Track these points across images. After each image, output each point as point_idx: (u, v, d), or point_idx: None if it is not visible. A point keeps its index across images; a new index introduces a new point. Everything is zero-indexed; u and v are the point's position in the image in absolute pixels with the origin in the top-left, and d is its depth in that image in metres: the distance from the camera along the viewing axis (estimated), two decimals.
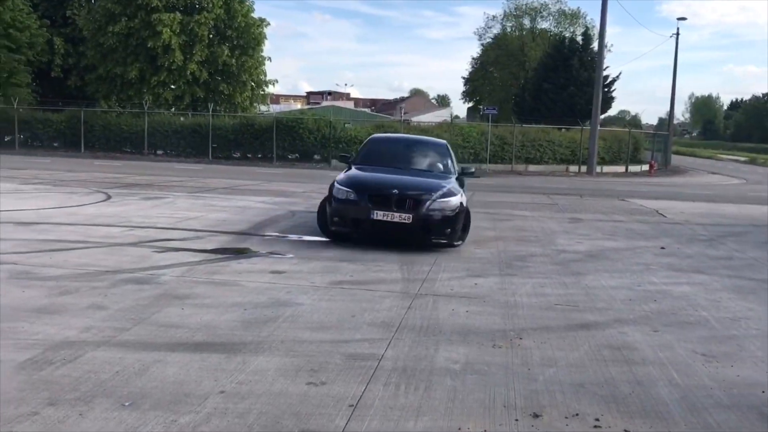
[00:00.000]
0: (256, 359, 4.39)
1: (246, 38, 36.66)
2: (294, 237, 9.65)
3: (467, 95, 71.31)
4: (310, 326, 5.21)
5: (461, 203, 9.09)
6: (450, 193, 9.06)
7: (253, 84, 38.33)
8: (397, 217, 8.62)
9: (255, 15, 37.58)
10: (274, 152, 32.08)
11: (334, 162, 31.42)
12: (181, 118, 34.77)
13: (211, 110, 33.22)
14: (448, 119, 37.67)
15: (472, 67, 69.46)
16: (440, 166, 10.41)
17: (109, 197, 14.04)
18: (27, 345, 4.49)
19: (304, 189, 18.08)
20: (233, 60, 36.06)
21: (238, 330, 5.03)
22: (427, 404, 3.81)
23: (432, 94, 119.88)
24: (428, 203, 8.74)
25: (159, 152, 33.45)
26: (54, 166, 23.55)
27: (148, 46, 34.19)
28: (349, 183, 9.17)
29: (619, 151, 36.80)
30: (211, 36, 36.04)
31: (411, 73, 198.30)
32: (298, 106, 78.70)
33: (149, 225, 10.18)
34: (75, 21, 39.10)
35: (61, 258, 7.48)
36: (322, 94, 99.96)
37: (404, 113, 61.62)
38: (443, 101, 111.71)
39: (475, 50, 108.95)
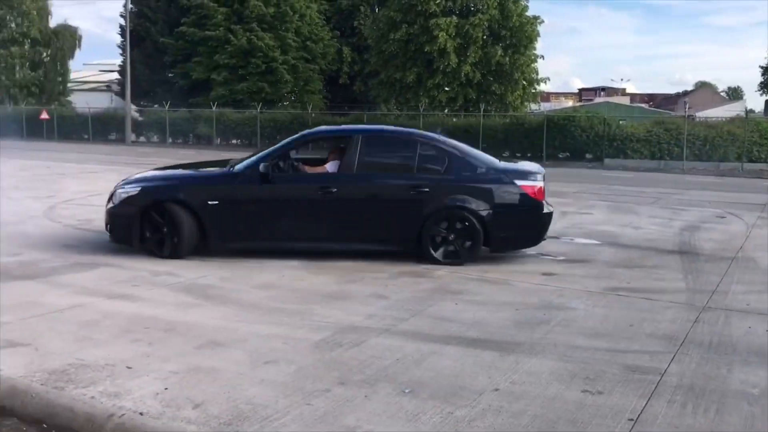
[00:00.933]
0: (530, 360, 4.35)
1: (519, 37, 36.59)
2: (566, 239, 9.40)
3: (765, 86, 63.41)
4: (584, 332, 5.02)
5: None
6: None
7: (524, 83, 38.17)
8: None
9: (529, 13, 37.40)
10: (543, 151, 31.63)
11: (607, 161, 30.09)
12: (454, 119, 35.88)
13: (482, 110, 33.82)
14: (742, 113, 33.79)
15: None
16: None
17: None
18: (320, 327, 4.97)
19: (576, 189, 17.56)
20: (506, 59, 36.25)
21: (510, 329, 5.03)
22: (719, 429, 3.45)
23: (721, 87, 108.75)
24: None
25: None
26: None
27: (426, 50, 35.80)
28: None
29: None
30: (485, 37, 36.64)
31: (695, 64, 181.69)
32: (570, 103, 76.75)
33: None
34: (361, 30, 42.44)
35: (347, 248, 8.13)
36: (595, 91, 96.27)
37: (688, 108, 56.70)
38: (735, 94, 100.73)
39: None
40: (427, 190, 7.33)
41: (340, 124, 37.15)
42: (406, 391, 3.80)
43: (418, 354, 4.41)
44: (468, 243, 7.35)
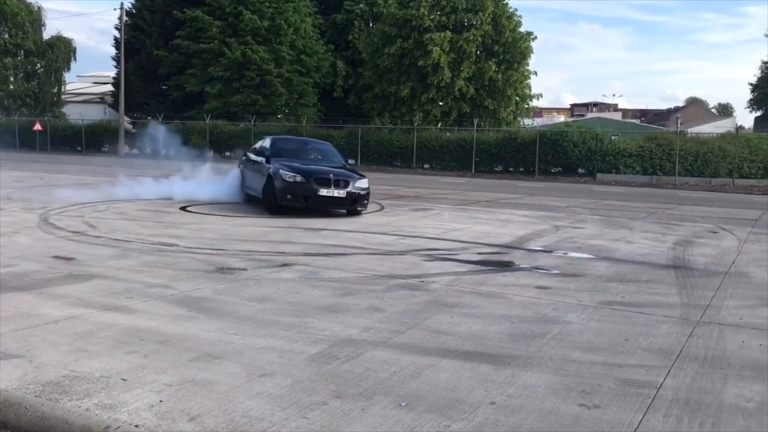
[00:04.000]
0: (526, 374, 4.35)
1: (512, 53, 36.89)
2: (559, 253, 9.43)
3: (755, 103, 63.90)
4: (579, 346, 5.03)
5: (368, 185, 13.40)
6: (362, 177, 13.43)
7: (517, 98, 38.44)
8: (335, 192, 12.67)
9: (522, 29, 37.71)
10: (536, 166, 31.81)
11: (600, 176, 30.24)
12: (447, 134, 36.04)
13: (475, 125, 33.98)
14: (732, 130, 34.08)
15: (762, 72, 62.09)
16: (336, 160, 14.60)
17: (382, 207, 15.02)
18: (316, 339, 4.96)
19: (568, 203, 17.63)
20: (499, 75, 36.50)
21: (506, 342, 5.03)
22: None
23: (711, 103, 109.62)
24: (353, 183, 12.95)
25: (426, 166, 35.05)
26: None
27: (420, 65, 36.02)
28: (295, 170, 12.84)
29: None
30: (478, 52, 36.89)
31: (686, 80, 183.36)
32: (562, 118, 77.17)
33: (418, 235, 10.68)
34: (355, 45, 42.67)
35: (343, 262, 8.17)
36: (586, 106, 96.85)
37: (680, 123, 57.12)
38: (725, 110, 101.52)
39: (766, 53, 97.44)
40: None
41: (334, 137, 37.39)
42: (403, 404, 3.79)
43: (414, 367, 4.41)
44: None
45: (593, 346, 5.03)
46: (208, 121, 38.64)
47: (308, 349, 4.72)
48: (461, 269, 7.96)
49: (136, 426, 3.39)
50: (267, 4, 40.44)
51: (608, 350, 4.95)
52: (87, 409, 3.57)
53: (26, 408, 3.60)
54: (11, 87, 48.58)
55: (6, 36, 48.73)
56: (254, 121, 37.95)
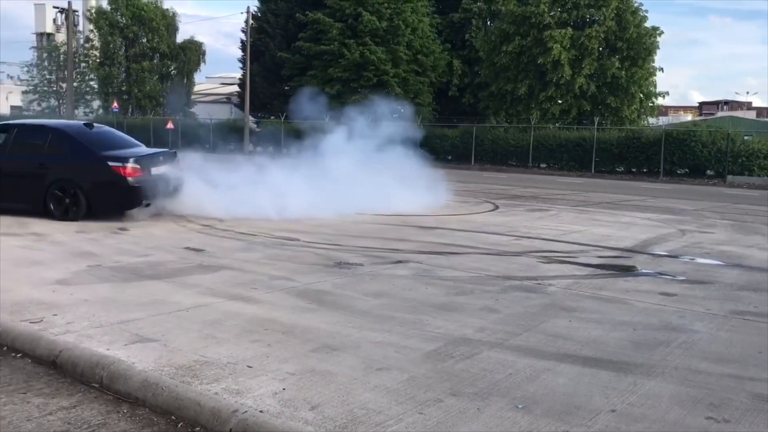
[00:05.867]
0: (649, 383, 4.19)
1: (637, 49, 35.35)
2: (685, 258, 8.98)
3: None
4: (707, 356, 4.78)
5: None
6: None
7: (641, 96, 36.82)
8: None
9: (647, 24, 36.09)
10: (661, 167, 30.35)
11: (730, 178, 28.52)
12: (566, 132, 35.09)
13: (596, 124, 32.88)
14: None
15: None
16: None
17: (496, 207, 14.87)
18: (431, 337, 5.00)
19: (695, 207, 16.72)
20: (622, 72, 35.11)
21: (628, 350, 4.86)
22: None
23: None
24: None
25: (542, 165, 34.30)
26: (447, 177, 25.79)
27: (538, 62, 35.26)
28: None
29: None
30: (601, 49, 35.67)
31: None
32: (689, 117, 73.20)
33: (534, 236, 10.49)
34: (472, 43, 42.38)
35: (456, 261, 8.16)
36: (716, 104, 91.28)
37: None
38: None
39: None
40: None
41: (449, 136, 37.32)
42: (520, 406, 3.76)
43: (530, 370, 4.35)
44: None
45: (722, 358, 4.77)
46: (326, 120, 39.68)
47: (424, 346, 4.77)
48: (580, 272, 7.75)
49: (261, 411, 3.56)
50: (386, 5, 40.93)
51: (739, 362, 4.68)
52: (216, 393, 3.78)
53: (162, 389, 3.87)
54: (147, 88, 51.94)
55: (143, 40, 52.16)
56: (371, 119, 38.58)
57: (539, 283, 7.00)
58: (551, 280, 7.21)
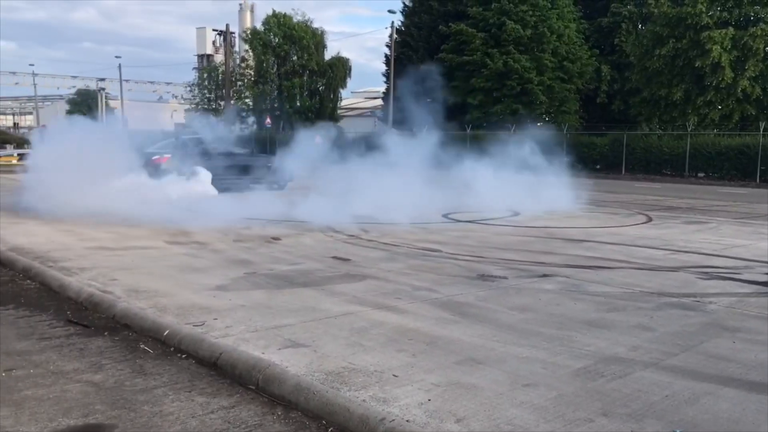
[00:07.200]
0: None
1: None
2: None
3: None
4: None
5: None
6: None
7: None
8: None
9: None
10: None
11: None
12: (727, 139, 32.73)
13: (761, 129, 30.41)
14: None
15: None
16: None
17: (650, 219, 14.13)
18: (580, 354, 4.83)
19: None
20: None
21: None
22: None
23: None
24: None
25: (700, 175, 32.20)
26: (596, 187, 24.85)
27: (695, 65, 33.25)
28: None
29: None
30: (767, 49, 33.01)
31: None
32: None
33: (692, 250, 9.85)
34: (622, 48, 40.71)
35: (606, 275, 7.84)
36: None
37: None
38: None
39: None
40: None
41: (597, 144, 35.96)
42: (678, 431, 3.54)
43: (689, 392, 4.09)
44: None
45: None
46: (468, 131, 39.61)
47: (572, 363, 4.62)
48: (744, 290, 7.18)
49: (407, 421, 3.60)
50: (530, 12, 40.31)
51: None
52: (364, 401, 3.87)
53: (314, 393, 4.01)
54: (297, 104, 54.49)
55: (294, 58, 54.80)
56: (513, 130, 38.02)
57: (698, 301, 6.56)
58: (711, 297, 6.73)
